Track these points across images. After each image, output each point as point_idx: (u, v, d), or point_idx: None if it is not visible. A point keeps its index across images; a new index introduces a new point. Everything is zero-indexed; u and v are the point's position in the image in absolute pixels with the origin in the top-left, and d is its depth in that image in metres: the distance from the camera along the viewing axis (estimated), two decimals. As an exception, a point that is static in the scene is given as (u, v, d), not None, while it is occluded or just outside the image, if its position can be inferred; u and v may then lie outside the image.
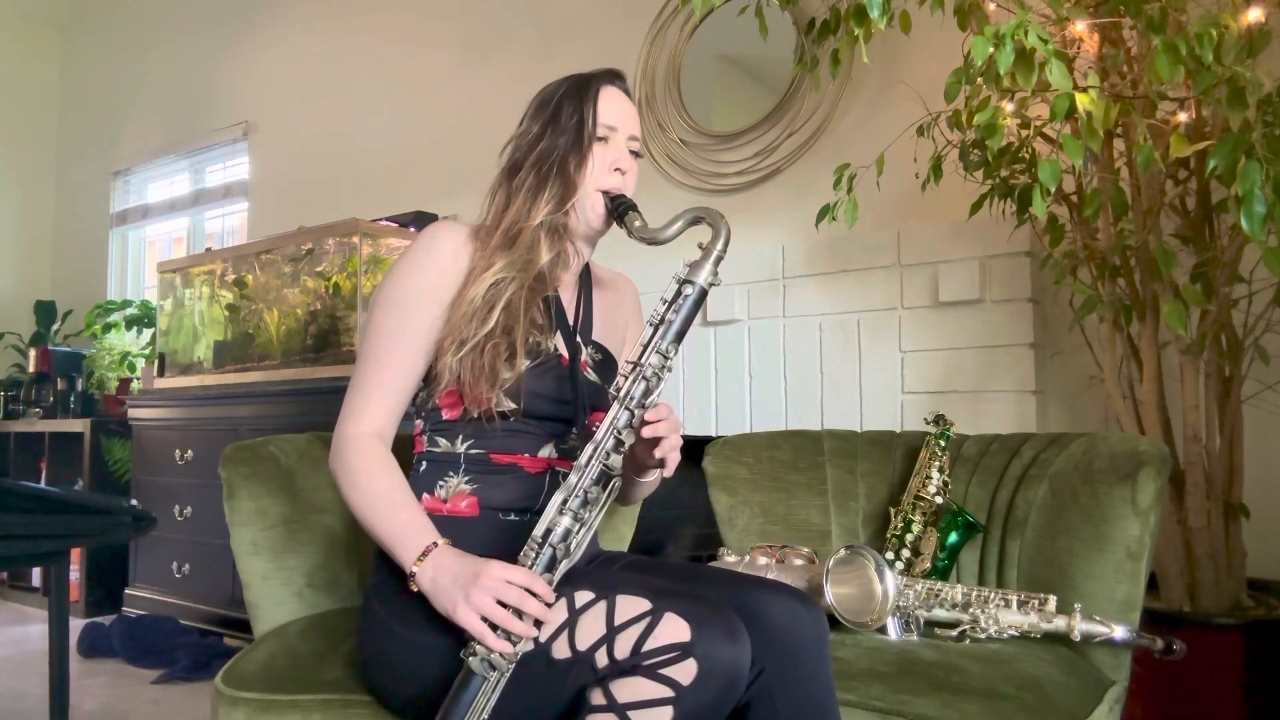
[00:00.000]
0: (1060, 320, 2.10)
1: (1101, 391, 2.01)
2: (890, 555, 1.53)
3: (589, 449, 1.04)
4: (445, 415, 1.18)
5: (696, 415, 2.55)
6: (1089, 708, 1.14)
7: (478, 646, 0.97)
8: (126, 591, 3.51)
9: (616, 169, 1.22)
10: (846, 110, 2.54)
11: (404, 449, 1.29)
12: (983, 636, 1.30)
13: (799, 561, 1.47)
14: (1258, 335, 1.72)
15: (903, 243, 2.24)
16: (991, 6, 1.80)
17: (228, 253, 3.44)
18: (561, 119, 1.22)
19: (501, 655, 0.96)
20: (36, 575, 3.88)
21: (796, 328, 2.40)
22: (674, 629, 0.93)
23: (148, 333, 4.12)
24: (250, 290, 3.26)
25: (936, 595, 1.34)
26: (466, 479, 1.17)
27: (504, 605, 0.96)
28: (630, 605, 0.96)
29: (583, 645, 0.96)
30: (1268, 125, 1.41)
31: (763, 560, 1.49)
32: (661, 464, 1.12)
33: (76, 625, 2.62)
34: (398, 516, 1.09)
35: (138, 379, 3.96)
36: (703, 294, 1.11)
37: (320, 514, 1.48)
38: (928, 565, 1.50)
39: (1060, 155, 1.60)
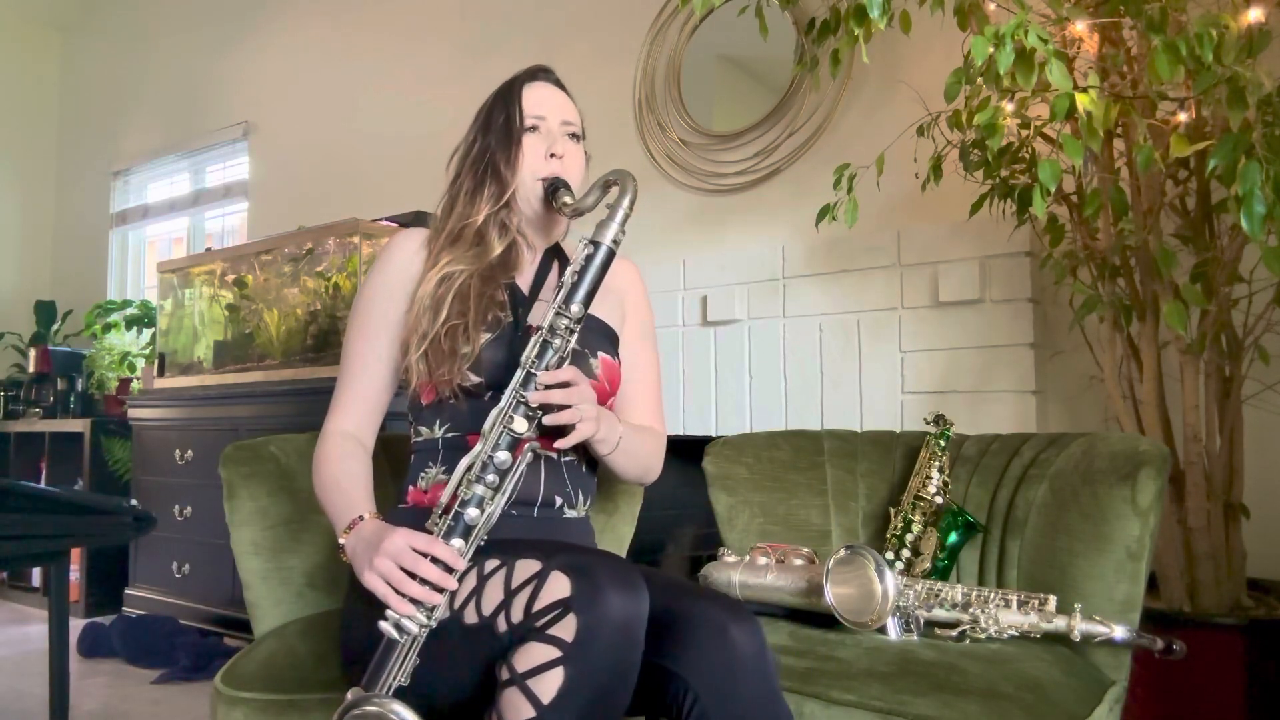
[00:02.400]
0: (1060, 320, 2.10)
1: (1101, 391, 2.01)
2: (890, 555, 1.53)
3: (492, 415, 1.07)
4: (424, 401, 1.23)
5: (696, 415, 2.55)
6: (1089, 708, 1.14)
7: (389, 611, 1.00)
8: (126, 591, 3.51)
9: (552, 154, 1.27)
10: (846, 110, 2.54)
11: (402, 448, 1.30)
12: (983, 636, 1.29)
13: (799, 561, 1.47)
14: (1258, 335, 1.72)
15: (903, 243, 2.24)
16: (991, 6, 1.80)
17: (228, 253, 3.44)
18: (492, 122, 1.29)
19: (411, 618, 0.98)
20: (36, 575, 3.88)
21: (796, 328, 2.40)
22: (557, 586, 0.93)
23: (148, 333, 4.12)
24: (250, 290, 3.26)
25: (936, 595, 1.34)
26: (444, 468, 1.20)
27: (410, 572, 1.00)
28: (525, 568, 0.97)
29: (486, 611, 0.98)
30: (1268, 125, 1.41)
31: (762, 560, 1.49)
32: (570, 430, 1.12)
33: (76, 625, 2.62)
34: (339, 498, 1.16)
35: (138, 379, 3.96)
36: (610, 253, 1.11)
37: (320, 514, 1.47)
38: (928, 565, 1.50)
39: (1060, 155, 1.60)
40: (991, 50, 1.49)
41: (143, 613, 3.28)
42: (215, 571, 3.13)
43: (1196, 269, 1.70)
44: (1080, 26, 1.68)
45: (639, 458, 1.30)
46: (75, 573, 3.60)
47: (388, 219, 3.18)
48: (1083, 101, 1.49)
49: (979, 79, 1.58)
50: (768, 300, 2.45)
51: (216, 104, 4.48)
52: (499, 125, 1.28)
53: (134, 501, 2.14)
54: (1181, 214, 1.78)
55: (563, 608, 0.92)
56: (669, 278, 2.62)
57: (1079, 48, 1.78)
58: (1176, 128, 1.57)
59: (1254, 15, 1.46)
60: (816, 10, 2.24)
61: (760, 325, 2.46)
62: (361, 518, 1.10)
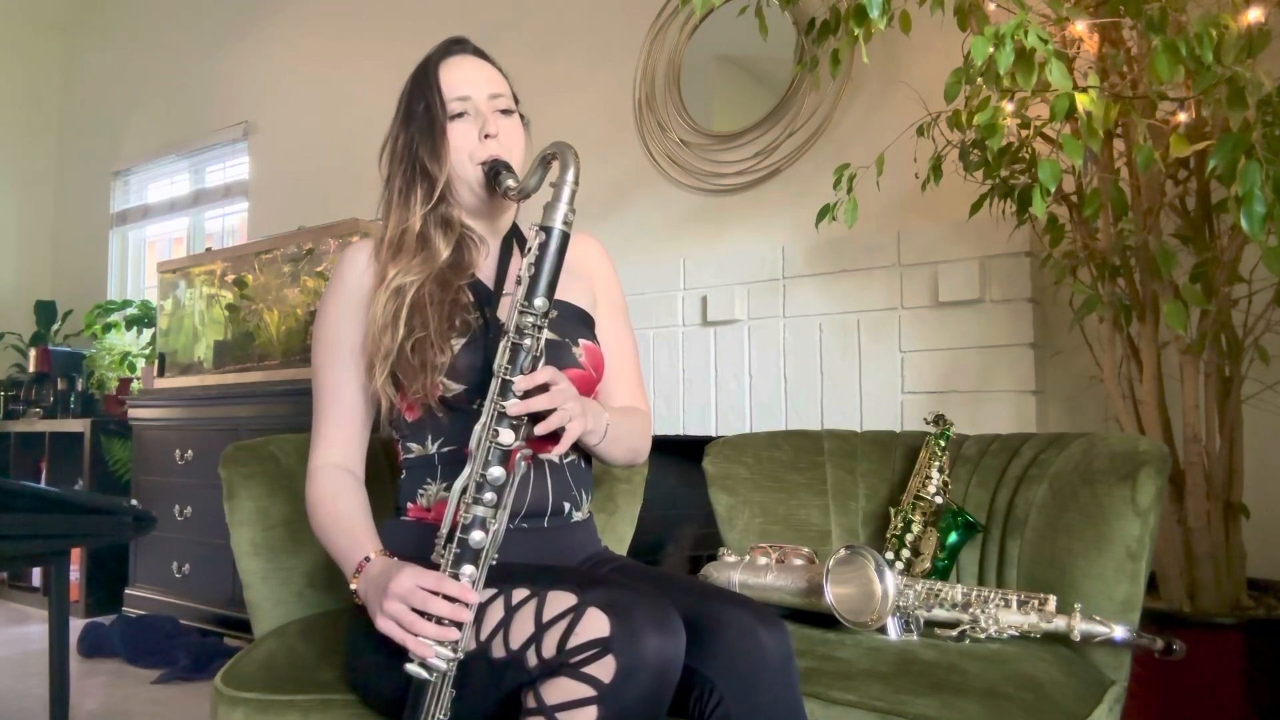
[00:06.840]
0: (1060, 320, 2.10)
1: (1101, 391, 2.01)
2: (890, 555, 1.53)
3: (476, 431, 1.02)
4: (409, 418, 1.19)
5: (697, 415, 2.55)
6: (1089, 708, 1.14)
7: (410, 653, 0.96)
8: (126, 591, 3.51)
9: (486, 135, 1.18)
10: (846, 110, 2.54)
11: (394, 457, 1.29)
12: (983, 636, 1.29)
13: (799, 561, 1.47)
14: (1258, 335, 1.72)
15: (903, 243, 2.24)
16: (991, 6, 1.80)
17: (228, 253, 3.44)
18: (412, 112, 1.20)
19: (437, 657, 0.95)
20: (36, 575, 3.88)
21: (796, 328, 2.40)
22: (595, 624, 0.90)
23: (148, 333, 4.12)
24: (250, 290, 3.26)
25: (936, 595, 1.34)
26: (444, 484, 1.16)
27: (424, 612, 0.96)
28: (558, 601, 0.94)
29: (515, 644, 0.95)
30: (1268, 125, 1.41)
31: (762, 560, 1.49)
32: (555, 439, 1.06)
33: (76, 625, 2.62)
34: (341, 540, 1.11)
35: (138, 379, 3.96)
36: (563, 236, 1.03)
37: (320, 514, 1.48)
38: (928, 565, 1.50)
39: (1060, 155, 1.60)
40: (991, 50, 1.49)
41: (143, 613, 3.28)
42: (215, 571, 3.13)
43: (1196, 269, 1.70)
44: (1080, 26, 1.68)
45: (627, 441, 1.25)
46: (75, 573, 3.60)
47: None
48: (1083, 101, 1.49)
49: (979, 79, 1.58)
50: (768, 300, 2.45)
51: (216, 104, 4.48)
52: (419, 114, 1.19)
53: (134, 501, 2.14)
54: (1181, 214, 1.78)
55: (600, 647, 0.89)
56: (669, 278, 2.62)
57: (1079, 48, 1.78)
58: (1176, 128, 1.57)
59: (1254, 15, 1.46)
60: (816, 10, 2.24)
61: (760, 325, 2.46)
62: (368, 558, 1.06)
